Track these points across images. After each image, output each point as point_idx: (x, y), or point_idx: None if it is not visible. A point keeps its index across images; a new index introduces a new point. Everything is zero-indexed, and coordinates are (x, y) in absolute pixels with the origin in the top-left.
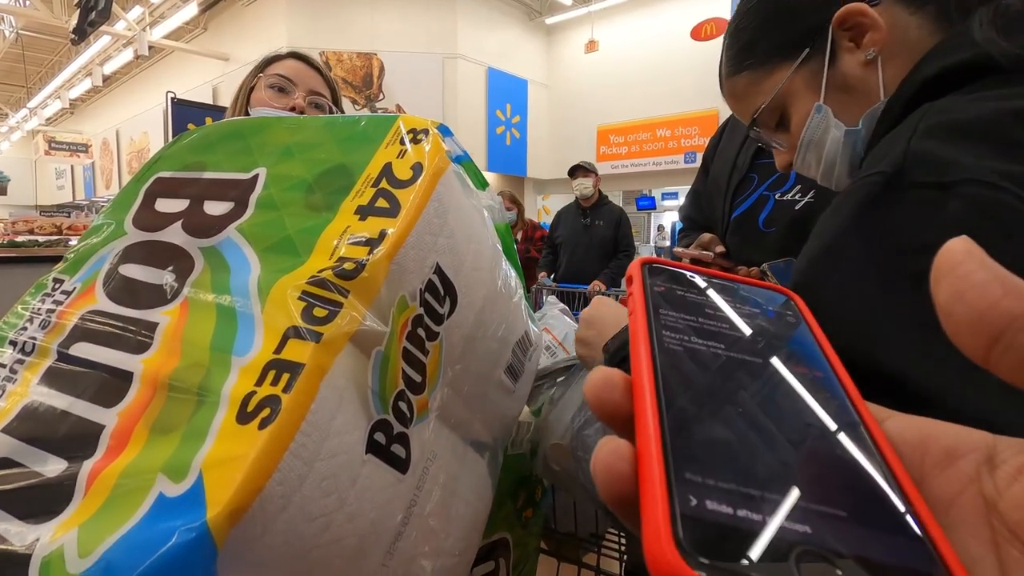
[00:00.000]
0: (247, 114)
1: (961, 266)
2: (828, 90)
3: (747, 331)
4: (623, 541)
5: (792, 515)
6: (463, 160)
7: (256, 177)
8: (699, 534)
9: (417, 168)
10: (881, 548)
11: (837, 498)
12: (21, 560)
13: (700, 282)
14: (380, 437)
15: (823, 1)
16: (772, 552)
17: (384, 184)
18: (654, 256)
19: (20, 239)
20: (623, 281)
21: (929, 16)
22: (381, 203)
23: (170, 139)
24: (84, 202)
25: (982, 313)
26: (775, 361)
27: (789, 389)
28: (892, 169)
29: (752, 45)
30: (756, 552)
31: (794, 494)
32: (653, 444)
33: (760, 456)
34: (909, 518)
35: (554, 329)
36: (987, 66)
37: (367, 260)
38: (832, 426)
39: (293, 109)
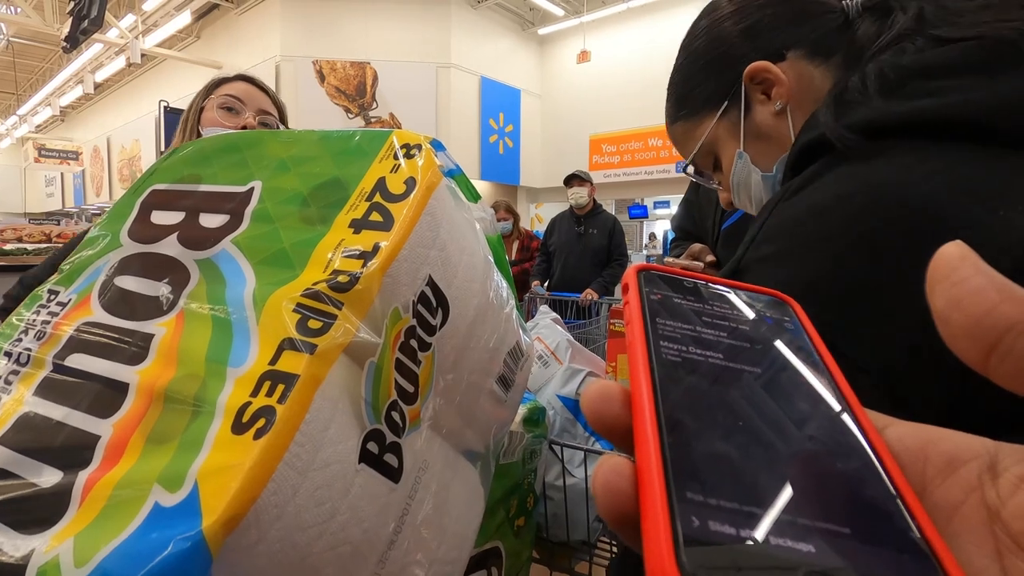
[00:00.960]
0: (198, 135)
1: (956, 272)
2: (747, 138)
3: (745, 338)
4: (615, 550)
5: (795, 534)
6: (455, 174)
7: (252, 190)
8: (702, 557)
9: (410, 182)
10: (885, 564)
11: (840, 514)
12: (17, 571)
13: (696, 288)
14: (373, 447)
15: (738, 58)
16: (776, 574)
17: (378, 198)
18: (649, 263)
19: (8, 247)
20: (616, 289)
21: (834, 67)
22: (375, 217)
23: (162, 148)
24: (74, 210)
25: (979, 319)
26: (774, 370)
27: (789, 400)
28: (729, 270)
29: (684, 97)
30: (760, 575)
31: (797, 512)
32: (653, 462)
33: (760, 472)
34: (912, 532)
35: (546, 339)
36: (826, 145)
37: (361, 273)
38: (834, 438)
39: (244, 128)
